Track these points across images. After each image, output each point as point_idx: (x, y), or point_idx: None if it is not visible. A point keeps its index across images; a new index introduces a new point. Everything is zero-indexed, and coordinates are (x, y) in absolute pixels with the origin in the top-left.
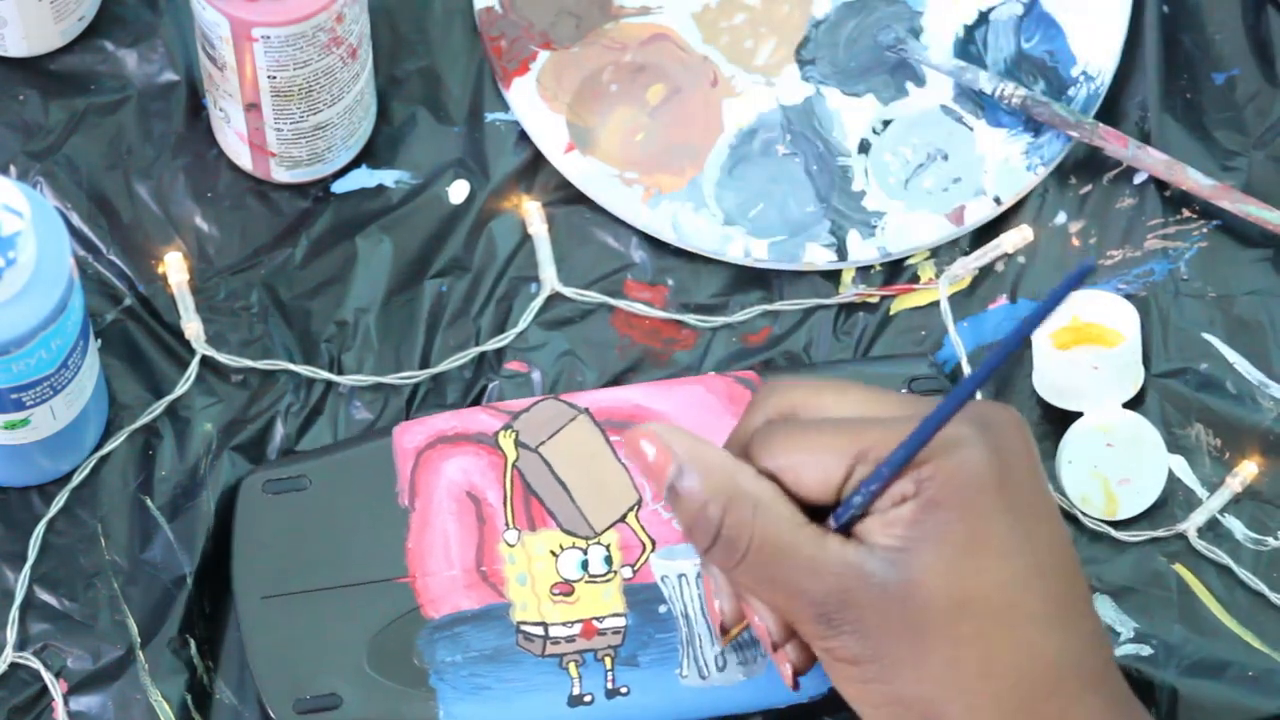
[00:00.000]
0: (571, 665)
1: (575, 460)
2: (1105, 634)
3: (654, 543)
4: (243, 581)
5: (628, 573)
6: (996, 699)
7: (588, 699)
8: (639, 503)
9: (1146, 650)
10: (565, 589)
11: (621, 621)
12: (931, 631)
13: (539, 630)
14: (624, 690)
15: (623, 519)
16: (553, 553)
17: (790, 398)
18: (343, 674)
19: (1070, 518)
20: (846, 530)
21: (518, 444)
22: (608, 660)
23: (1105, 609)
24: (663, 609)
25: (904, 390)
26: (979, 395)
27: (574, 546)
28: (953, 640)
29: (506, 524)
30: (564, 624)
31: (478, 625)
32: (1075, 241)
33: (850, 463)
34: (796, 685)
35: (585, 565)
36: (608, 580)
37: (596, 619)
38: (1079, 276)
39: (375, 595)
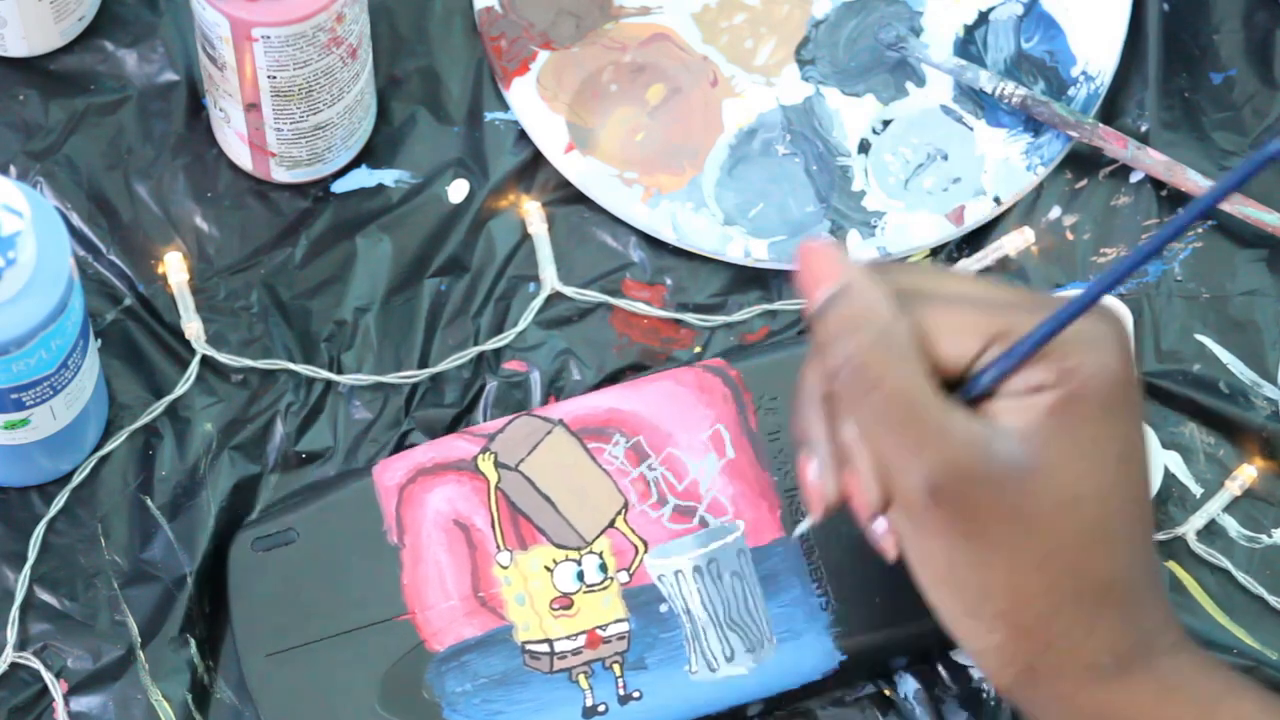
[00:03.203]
0: (581, 677)
1: (556, 473)
2: (1156, 544)
3: (646, 544)
4: (245, 642)
5: (624, 577)
6: (1077, 599)
7: (602, 709)
8: (625, 506)
9: None
10: (564, 602)
11: (624, 627)
12: (1039, 523)
13: (544, 647)
14: (636, 695)
15: (611, 524)
16: (547, 568)
17: (919, 279)
18: (357, 719)
19: None
20: (973, 405)
21: (497, 465)
22: (616, 667)
23: None
24: (664, 608)
25: None
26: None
27: (567, 559)
28: (1054, 535)
29: (498, 546)
30: (568, 637)
31: (483, 651)
32: (1069, 235)
33: (987, 340)
34: (899, 554)
35: (581, 576)
36: (605, 588)
37: (599, 628)
38: (1270, 155)
39: (378, 636)
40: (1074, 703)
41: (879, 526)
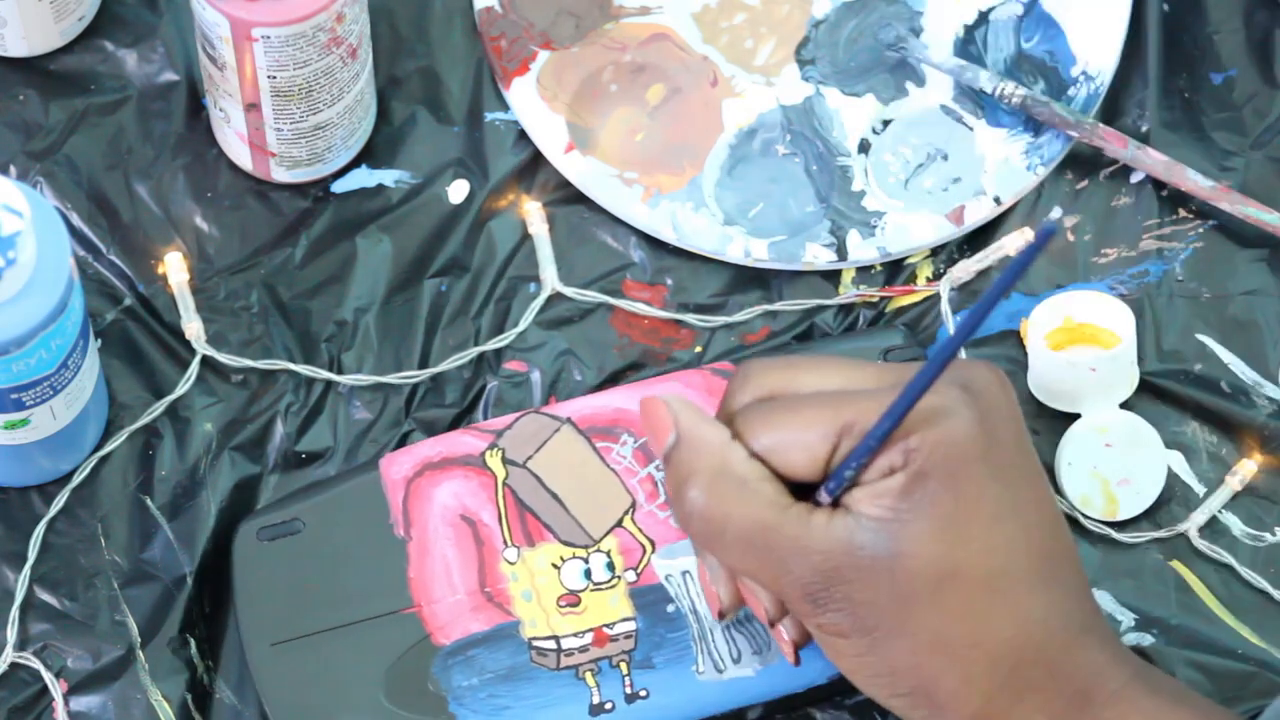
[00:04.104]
0: (588, 675)
1: (564, 471)
2: (1088, 587)
3: (654, 543)
4: (250, 631)
5: (631, 576)
6: (989, 664)
7: (608, 706)
8: (633, 505)
9: (1148, 639)
10: (572, 600)
11: (631, 626)
12: (919, 602)
13: (551, 644)
14: (643, 693)
15: (619, 523)
16: (554, 565)
17: (769, 378)
18: (362, 711)
19: (1071, 520)
20: (835, 504)
21: (505, 461)
22: (623, 666)
23: (1105, 602)
24: (671, 608)
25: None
26: (962, 354)
27: (575, 557)
28: (940, 610)
29: (505, 542)
30: (575, 635)
31: (489, 646)
32: (1070, 236)
33: (835, 438)
34: (798, 660)
35: (588, 574)
36: (612, 586)
37: (606, 626)
38: (1044, 237)
39: (384, 629)
40: None
41: (780, 634)
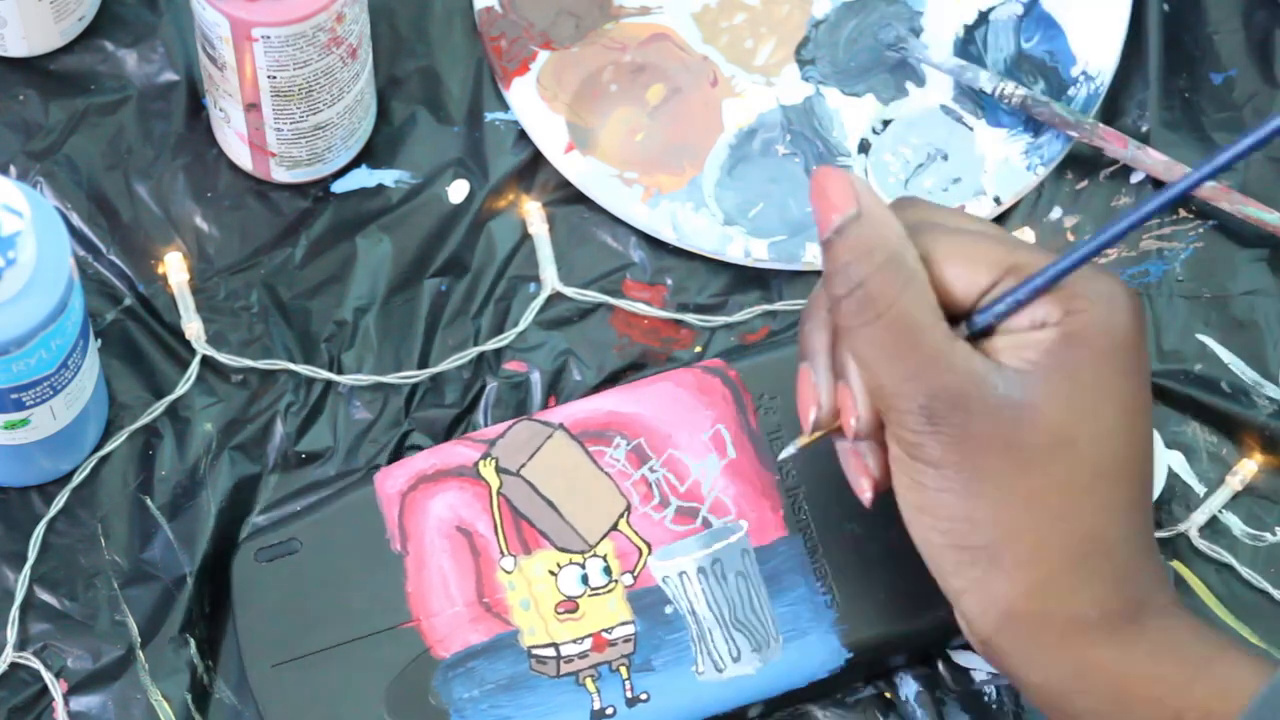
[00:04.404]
0: (588, 681)
1: (558, 477)
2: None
3: (649, 546)
4: (250, 653)
5: (628, 580)
6: (1065, 542)
7: (610, 711)
8: (628, 508)
9: None
10: (570, 606)
11: (630, 629)
12: (1029, 459)
13: (550, 652)
14: (644, 697)
15: (615, 527)
16: (551, 572)
17: (936, 212)
18: None
19: None
20: (975, 341)
21: (499, 470)
22: (623, 670)
23: None
24: (669, 610)
25: None
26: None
27: (571, 563)
28: (1045, 473)
29: (501, 551)
30: (574, 641)
31: (489, 657)
32: (1070, 237)
33: (1000, 274)
34: (875, 499)
35: (585, 579)
36: (610, 590)
37: (605, 631)
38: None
39: (384, 644)
40: (1056, 656)
41: (861, 460)
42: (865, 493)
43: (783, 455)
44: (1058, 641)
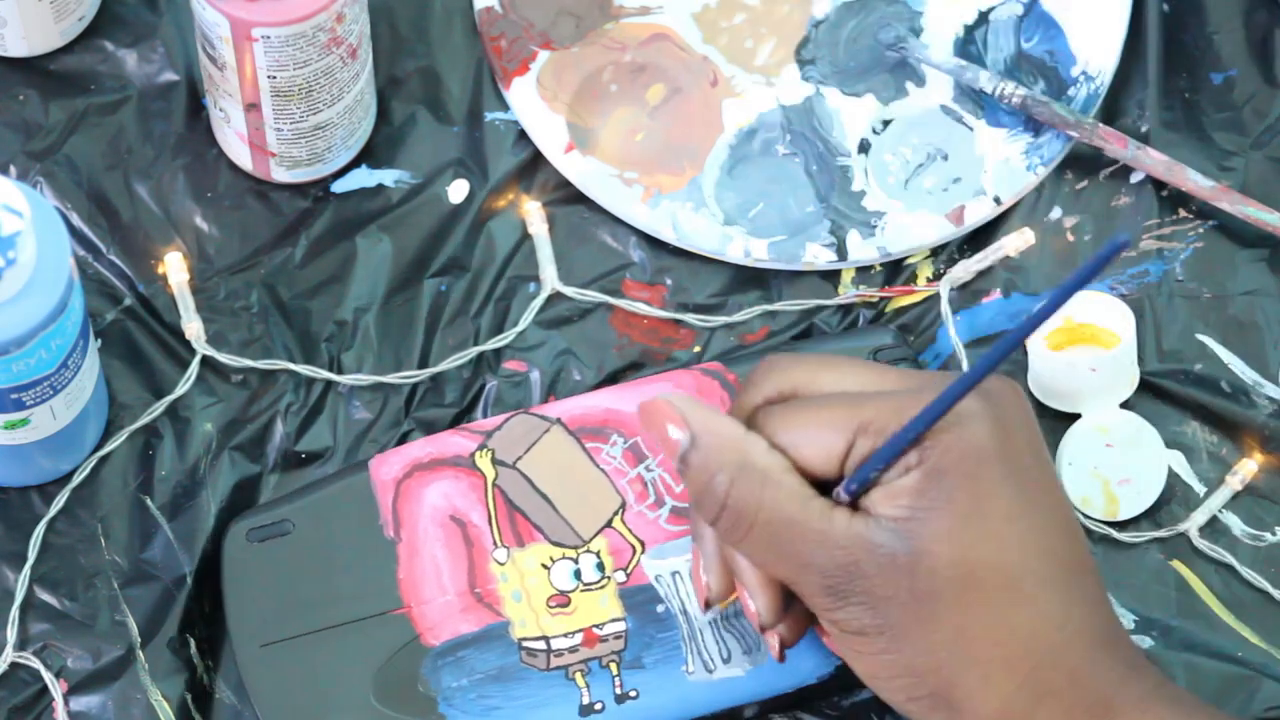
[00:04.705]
0: (578, 675)
1: (554, 471)
2: (1108, 599)
3: (643, 544)
4: (239, 632)
5: (621, 577)
6: (1007, 665)
7: (598, 707)
8: (623, 506)
9: (1148, 642)
10: (561, 600)
11: (621, 626)
12: (939, 601)
13: (541, 645)
14: (633, 694)
15: (609, 524)
16: (544, 566)
17: (790, 375)
18: (351, 712)
19: None
20: (854, 503)
21: (495, 462)
22: (613, 666)
23: None
24: (660, 608)
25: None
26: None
27: (565, 557)
28: (960, 609)
29: (495, 543)
30: (565, 635)
31: (479, 647)
32: (1070, 237)
33: (851, 436)
34: (783, 657)
35: (578, 574)
36: (602, 587)
37: (596, 626)
38: (1114, 249)
39: (373, 630)
40: None
41: (769, 637)
42: (775, 653)
43: (706, 616)
44: None
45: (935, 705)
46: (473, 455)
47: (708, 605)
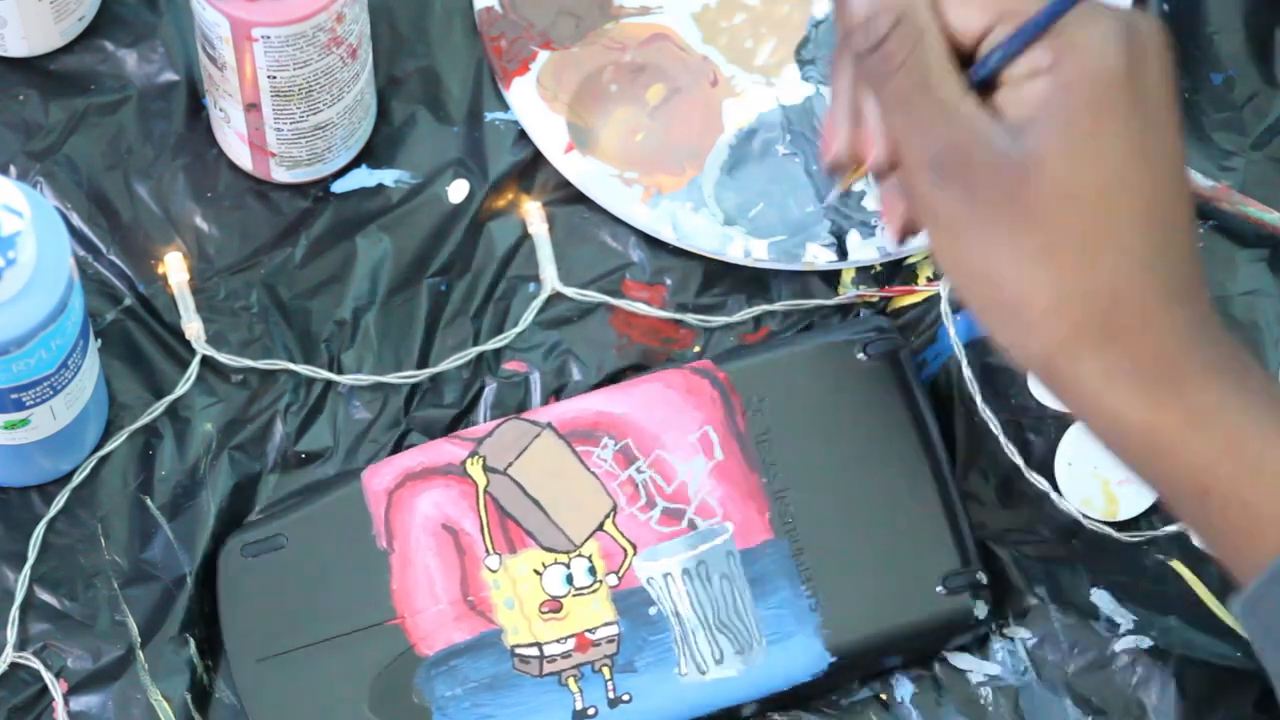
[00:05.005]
0: (571, 681)
1: (545, 476)
2: (1200, 263)
3: (635, 546)
4: (235, 647)
5: (613, 580)
6: (1086, 294)
7: (592, 712)
8: (614, 509)
9: (1147, 642)
10: (554, 606)
11: (614, 630)
12: (1037, 215)
13: (534, 651)
14: (626, 698)
15: (600, 527)
16: (536, 571)
17: None
18: None
19: (1072, 520)
20: (984, 93)
21: (486, 469)
22: (606, 670)
23: (1105, 603)
24: (653, 611)
25: (860, 355)
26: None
27: (556, 562)
28: (1056, 230)
29: (487, 550)
30: (557, 641)
31: (472, 655)
32: None
33: (991, 19)
34: (902, 240)
35: (570, 579)
36: (594, 591)
37: (589, 631)
38: None
39: (367, 641)
40: (1094, 408)
41: (892, 201)
42: (893, 236)
43: (826, 202)
44: (1090, 401)
45: (1007, 319)
46: (464, 463)
47: (831, 170)
